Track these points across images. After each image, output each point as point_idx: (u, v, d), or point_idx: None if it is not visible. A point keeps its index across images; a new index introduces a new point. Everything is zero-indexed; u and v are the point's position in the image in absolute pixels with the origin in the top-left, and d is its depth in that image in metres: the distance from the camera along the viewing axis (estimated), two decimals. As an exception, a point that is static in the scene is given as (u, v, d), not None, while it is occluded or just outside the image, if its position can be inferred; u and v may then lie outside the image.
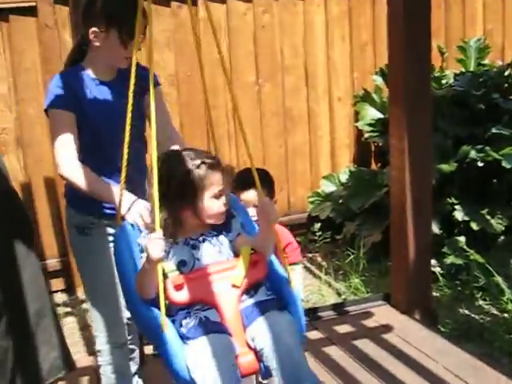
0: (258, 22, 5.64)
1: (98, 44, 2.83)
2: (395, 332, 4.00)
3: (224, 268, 2.35)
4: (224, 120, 5.68)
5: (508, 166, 4.79)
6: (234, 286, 2.32)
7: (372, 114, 5.78)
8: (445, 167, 4.99)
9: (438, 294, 4.78)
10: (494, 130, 5.07)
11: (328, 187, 5.87)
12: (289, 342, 2.23)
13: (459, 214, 5.02)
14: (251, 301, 2.34)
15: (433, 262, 4.95)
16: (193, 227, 2.40)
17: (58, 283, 5.42)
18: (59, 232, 5.30)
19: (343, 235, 5.59)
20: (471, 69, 5.75)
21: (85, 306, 5.13)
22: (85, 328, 4.84)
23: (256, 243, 2.40)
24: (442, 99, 5.44)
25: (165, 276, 2.27)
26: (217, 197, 2.38)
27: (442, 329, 4.22)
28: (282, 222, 5.85)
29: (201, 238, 2.41)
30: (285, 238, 3.01)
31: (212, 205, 2.37)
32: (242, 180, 3.26)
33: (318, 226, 5.84)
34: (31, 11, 5.08)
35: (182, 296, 2.28)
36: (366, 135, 5.79)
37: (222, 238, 2.44)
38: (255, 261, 2.36)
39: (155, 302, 2.25)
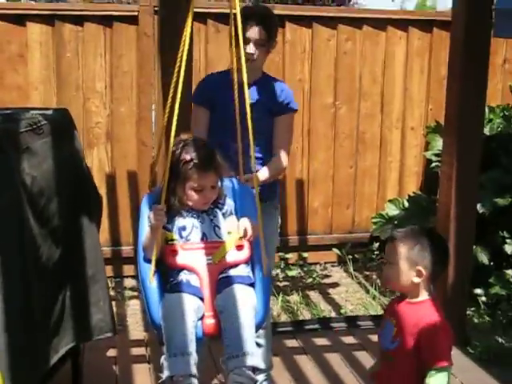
0: (340, 48, 6.00)
1: None
2: (424, 347, 4.24)
3: (212, 246, 2.81)
4: (299, 138, 6.04)
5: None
6: (214, 262, 2.75)
7: (441, 145, 6.00)
8: (500, 201, 5.20)
9: (477, 321, 4.99)
10: (553, 171, 5.24)
11: (392, 210, 6.10)
12: (244, 310, 2.63)
13: (509, 248, 5.21)
14: (227, 274, 2.76)
15: (478, 291, 5.18)
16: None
17: (129, 269, 5.88)
18: (136, 221, 5.76)
19: (399, 257, 5.83)
20: (544, 111, 5.91)
21: (150, 292, 5.60)
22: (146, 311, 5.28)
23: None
24: (509, 137, 5.64)
25: (166, 242, 2.77)
26: (196, 191, 2.82)
27: (472, 351, 4.42)
28: (347, 239, 6.21)
29: (200, 211, 2.88)
30: (420, 327, 2.54)
31: (192, 196, 2.84)
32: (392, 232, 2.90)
33: (377, 245, 6.10)
34: (133, 20, 5.62)
35: (174, 260, 2.73)
36: (433, 164, 6.03)
37: (218, 213, 2.91)
38: (240, 245, 2.81)
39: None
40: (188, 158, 2.81)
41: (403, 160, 6.31)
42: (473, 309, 5.08)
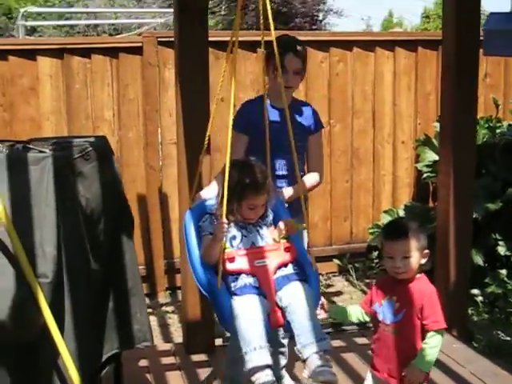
0: (332, 69, 6.38)
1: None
2: (432, 343, 4.57)
3: (262, 250, 3.10)
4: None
5: (546, 207, 5.37)
6: (279, 264, 3.06)
7: (431, 156, 6.40)
8: (491, 206, 5.58)
9: (476, 319, 5.34)
10: (538, 175, 5.66)
11: (387, 220, 6.45)
12: (308, 303, 2.95)
13: (502, 249, 5.59)
14: (282, 273, 3.06)
15: (475, 291, 5.54)
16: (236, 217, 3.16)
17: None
18: (146, 242, 6.09)
19: (398, 264, 6.18)
20: (525, 121, 6.32)
21: (164, 308, 5.90)
22: (163, 326, 5.58)
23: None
24: (495, 146, 6.04)
25: (223, 250, 3.04)
26: (251, 208, 3.12)
27: (475, 345, 4.77)
28: (346, 250, 6.54)
29: (247, 223, 3.17)
30: (421, 299, 3.03)
31: (247, 212, 3.13)
32: (392, 230, 3.26)
33: (375, 254, 6.44)
34: (137, 50, 5.95)
35: (233, 266, 3.02)
36: (425, 175, 6.40)
37: (262, 223, 3.21)
38: (287, 247, 3.12)
39: (212, 268, 3.03)
40: (247, 180, 3.08)
41: (395, 172, 6.68)
42: (471, 308, 5.43)
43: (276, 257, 3.08)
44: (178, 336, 5.52)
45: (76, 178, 3.14)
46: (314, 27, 18.99)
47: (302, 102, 4.04)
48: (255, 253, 3.09)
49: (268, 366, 2.86)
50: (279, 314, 2.99)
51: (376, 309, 3.15)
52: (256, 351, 2.85)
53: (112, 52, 5.93)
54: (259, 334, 2.88)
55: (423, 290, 3.03)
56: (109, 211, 3.47)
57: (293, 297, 2.97)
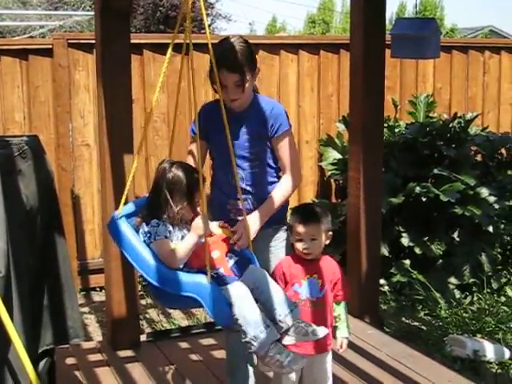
0: (239, 71, 6.55)
1: None
2: (349, 330, 4.83)
3: (214, 241, 3.19)
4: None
5: (445, 200, 5.74)
6: (226, 252, 3.19)
7: (334, 155, 6.69)
8: (394, 200, 5.90)
9: (385, 307, 5.65)
10: (435, 171, 6.04)
11: (294, 217, 6.70)
12: (270, 280, 3.13)
13: (405, 241, 5.93)
14: (231, 262, 3.18)
15: (382, 281, 5.84)
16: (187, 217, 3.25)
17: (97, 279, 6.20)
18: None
19: (306, 258, 6.44)
20: (420, 120, 6.70)
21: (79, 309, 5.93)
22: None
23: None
24: (395, 144, 6.39)
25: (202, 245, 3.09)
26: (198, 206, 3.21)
27: (388, 330, 5.07)
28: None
29: (186, 222, 3.19)
30: (336, 274, 3.35)
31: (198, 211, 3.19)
32: (304, 214, 3.36)
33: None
34: (47, 52, 5.95)
35: (204, 260, 3.03)
36: (329, 173, 6.69)
37: None
38: (223, 238, 3.26)
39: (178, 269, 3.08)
40: (196, 176, 3.10)
41: (301, 171, 6.90)
42: (379, 297, 5.74)
43: (220, 248, 3.21)
44: (96, 335, 5.57)
45: (17, 176, 3.18)
46: (202, 31, 19.17)
47: (265, 101, 3.57)
48: (208, 246, 3.18)
49: (279, 340, 3.01)
50: None
51: (296, 289, 3.31)
52: (267, 330, 2.95)
53: (21, 54, 5.90)
54: (261, 314, 2.99)
55: (334, 267, 3.37)
56: (44, 208, 3.52)
57: (257, 278, 3.11)
